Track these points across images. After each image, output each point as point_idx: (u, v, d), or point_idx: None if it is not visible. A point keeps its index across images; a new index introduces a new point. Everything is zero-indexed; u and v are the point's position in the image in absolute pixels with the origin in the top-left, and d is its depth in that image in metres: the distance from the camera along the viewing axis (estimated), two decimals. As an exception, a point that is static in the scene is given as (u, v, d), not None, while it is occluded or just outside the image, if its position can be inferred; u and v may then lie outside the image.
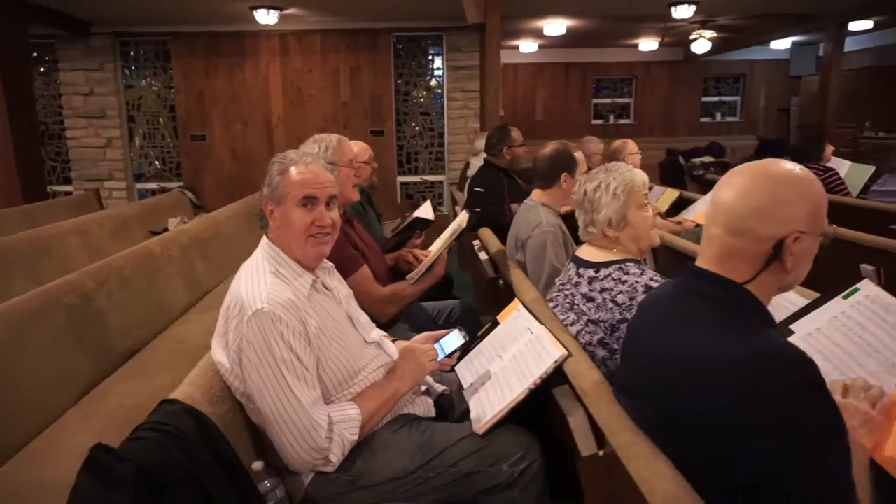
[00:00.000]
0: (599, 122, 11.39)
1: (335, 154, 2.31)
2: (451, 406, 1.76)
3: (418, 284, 2.24)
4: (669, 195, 4.61)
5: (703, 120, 11.51)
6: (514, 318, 1.90)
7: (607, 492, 1.46)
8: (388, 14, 6.57)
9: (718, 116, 11.59)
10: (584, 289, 1.75)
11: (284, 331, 1.39)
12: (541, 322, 1.71)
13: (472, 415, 1.59)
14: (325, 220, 1.54)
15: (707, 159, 8.47)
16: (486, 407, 1.57)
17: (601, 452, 1.47)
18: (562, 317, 1.80)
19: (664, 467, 1.02)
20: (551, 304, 1.90)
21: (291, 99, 7.21)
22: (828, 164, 4.90)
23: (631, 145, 4.06)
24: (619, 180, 1.74)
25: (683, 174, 7.79)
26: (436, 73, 7.24)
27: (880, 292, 1.45)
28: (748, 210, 1.05)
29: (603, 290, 1.69)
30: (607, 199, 1.73)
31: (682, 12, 6.57)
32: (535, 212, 2.46)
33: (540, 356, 1.57)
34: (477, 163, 4.26)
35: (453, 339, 1.71)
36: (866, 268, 3.10)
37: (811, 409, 0.92)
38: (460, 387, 1.77)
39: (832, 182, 4.74)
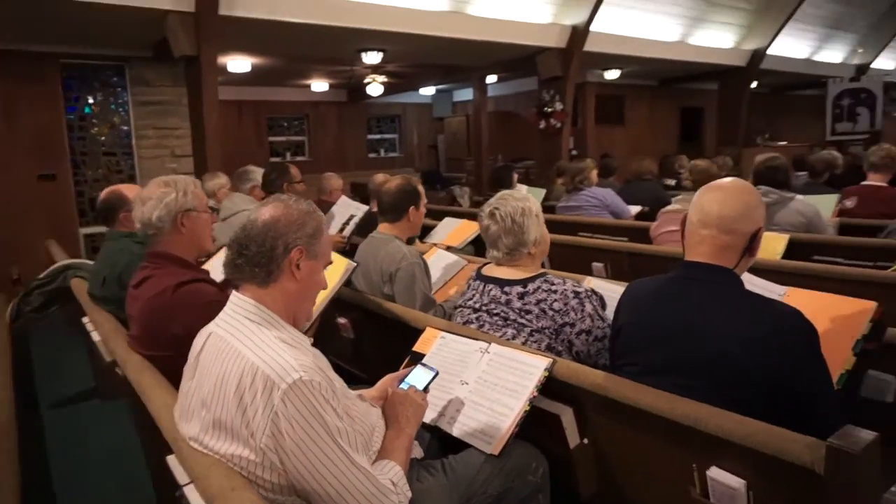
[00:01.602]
0: (276, 159, 11.44)
1: (195, 199, 2.00)
2: (422, 439, 1.73)
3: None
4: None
5: (370, 155, 12.60)
6: (444, 343, 1.96)
7: (596, 473, 1.69)
8: (52, 36, 5.53)
9: (382, 152, 12.85)
10: (518, 304, 1.93)
11: (330, 397, 1.23)
12: (486, 341, 1.83)
13: (475, 440, 1.62)
14: None
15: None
16: (489, 429, 1.62)
17: (585, 441, 1.69)
18: (498, 333, 1.94)
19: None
20: (473, 325, 2.02)
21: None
22: (517, 189, 6.02)
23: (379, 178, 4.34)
24: (535, 205, 1.99)
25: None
26: (120, 108, 6.34)
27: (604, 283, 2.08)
28: (734, 215, 1.42)
29: (539, 302, 1.90)
30: (531, 221, 1.96)
31: (371, 58, 7.20)
32: (395, 245, 2.52)
33: (523, 370, 1.69)
34: (233, 204, 3.96)
35: (421, 375, 1.70)
36: (597, 265, 3.99)
37: (818, 344, 1.32)
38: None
39: (522, 202, 5.85)
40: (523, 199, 2.02)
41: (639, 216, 5.27)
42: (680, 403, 1.39)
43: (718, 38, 9.98)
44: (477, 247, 4.35)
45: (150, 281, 1.93)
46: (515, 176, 6.04)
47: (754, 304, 1.38)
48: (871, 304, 1.65)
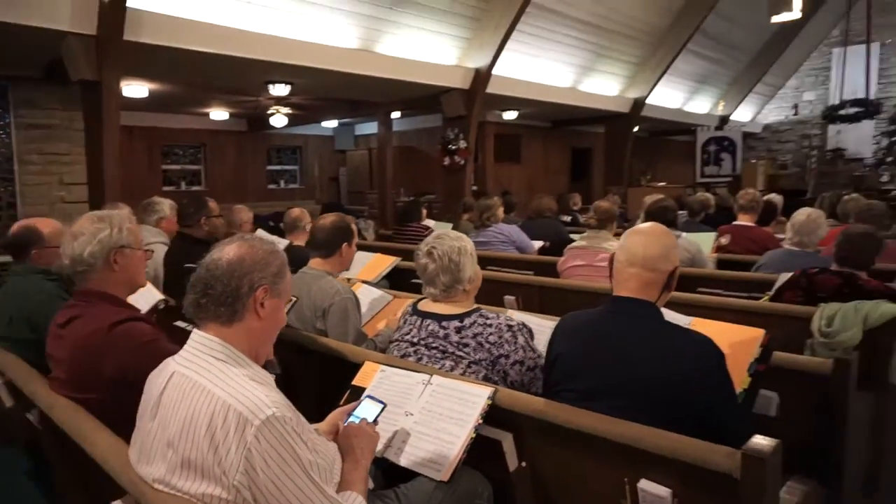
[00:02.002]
0: (171, 188, 10.94)
1: (130, 236, 1.96)
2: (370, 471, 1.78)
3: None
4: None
5: (270, 186, 12.35)
6: (385, 377, 2.03)
7: (534, 494, 1.82)
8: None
9: (283, 183, 12.65)
10: (455, 338, 2.04)
11: (301, 431, 1.28)
12: (428, 373, 1.93)
13: (424, 469, 1.69)
14: None
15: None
16: (437, 457, 1.70)
17: (523, 464, 1.82)
18: (436, 365, 2.04)
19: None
20: (411, 359, 2.10)
21: None
22: (425, 223, 6.19)
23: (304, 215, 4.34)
24: (469, 244, 2.12)
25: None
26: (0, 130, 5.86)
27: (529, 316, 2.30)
28: (656, 255, 1.63)
29: (475, 335, 2.02)
30: (466, 260, 2.09)
31: (279, 90, 7.17)
32: (327, 280, 2.56)
33: (466, 399, 1.79)
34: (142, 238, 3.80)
35: (370, 408, 1.75)
36: (509, 298, 4.20)
37: (726, 367, 1.55)
38: None
39: (432, 237, 6.02)
40: (458, 238, 2.15)
41: (541, 251, 5.59)
42: (613, 424, 1.56)
43: (605, 87, 10.86)
44: (391, 281, 4.42)
45: (81, 320, 1.85)
46: (424, 211, 6.22)
47: (675, 333, 1.59)
48: (760, 332, 1.92)
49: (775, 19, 8.49)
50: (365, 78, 7.23)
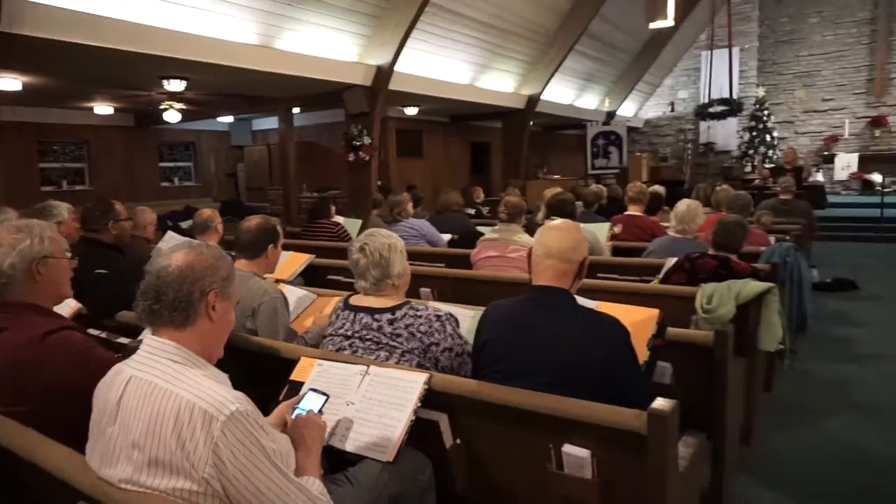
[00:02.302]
0: (51, 188, 10.15)
1: (52, 245, 1.92)
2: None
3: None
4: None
5: (163, 184, 11.77)
6: (323, 370, 2.13)
7: (469, 468, 2.00)
8: None
9: (177, 181, 12.08)
10: (388, 329, 2.17)
11: (262, 424, 1.37)
12: (365, 364, 2.06)
13: (370, 452, 1.82)
14: None
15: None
16: (381, 440, 1.84)
17: (458, 441, 2.00)
18: (371, 356, 2.16)
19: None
20: (346, 352, 2.22)
21: None
22: (335, 220, 6.21)
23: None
24: (399, 241, 2.25)
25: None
26: None
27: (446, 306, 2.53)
28: (568, 248, 1.85)
29: (407, 326, 2.16)
30: (396, 256, 2.22)
31: (174, 86, 6.89)
32: (255, 280, 2.60)
33: (404, 385, 1.94)
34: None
35: (314, 400, 1.86)
36: (424, 290, 4.36)
37: (631, 343, 1.80)
38: None
39: (342, 233, 6.06)
40: (388, 236, 2.29)
41: (450, 244, 5.81)
42: (538, 398, 1.76)
43: (501, 84, 11.28)
44: (306, 278, 4.46)
45: (7, 333, 1.80)
46: (333, 208, 6.25)
47: (588, 316, 1.82)
48: (655, 311, 2.21)
49: (652, 25, 9.23)
50: (264, 74, 7.11)
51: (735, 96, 12.79)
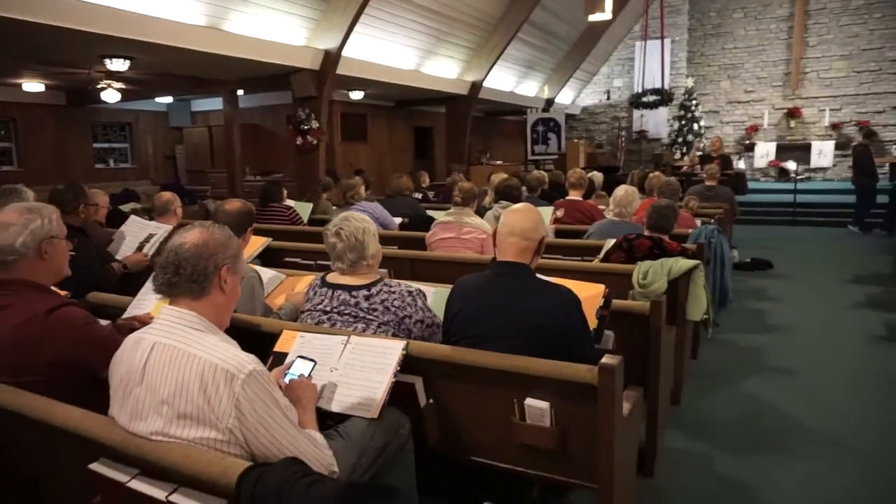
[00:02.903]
0: (-26, 169, 9.70)
1: (58, 227, 2.04)
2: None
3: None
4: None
5: (98, 166, 11.37)
6: (305, 342, 2.33)
7: (440, 424, 2.25)
8: None
9: (112, 163, 11.69)
10: (365, 304, 2.39)
11: (273, 382, 1.58)
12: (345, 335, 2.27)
13: (356, 411, 2.05)
14: None
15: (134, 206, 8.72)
16: (365, 400, 2.07)
17: (430, 401, 2.25)
18: (349, 328, 2.38)
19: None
20: (326, 325, 2.42)
21: None
22: (287, 203, 6.30)
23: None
24: (372, 225, 2.46)
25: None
26: None
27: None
28: (529, 227, 2.12)
29: (382, 301, 2.38)
30: (370, 239, 2.43)
31: (118, 65, 6.74)
32: (233, 261, 2.75)
33: (383, 352, 2.16)
34: None
35: (302, 366, 2.07)
36: (381, 270, 4.56)
37: (582, 310, 2.09)
38: None
39: (294, 217, 6.16)
40: (361, 220, 2.49)
41: (401, 226, 6.02)
42: (504, 358, 2.03)
43: (446, 70, 11.47)
44: (263, 260, 4.57)
45: (11, 309, 1.92)
46: (285, 192, 6.33)
47: (546, 287, 2.10)
48: (602, 287, 2.52)
49: (591, 18, 9.63)
50: (211, 56, 7.06)
51: (667, 86, 13.48)
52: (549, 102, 15.75)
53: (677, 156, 14.54)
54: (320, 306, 2.47)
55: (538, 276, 2.24)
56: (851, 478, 2.80)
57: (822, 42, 15.19)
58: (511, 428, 2.07)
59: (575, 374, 1.91)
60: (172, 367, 1.52)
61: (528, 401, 2.01)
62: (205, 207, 8.37)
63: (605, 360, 1.87)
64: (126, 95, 10.10)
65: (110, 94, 8.72)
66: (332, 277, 2.51)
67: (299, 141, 8.49)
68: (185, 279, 1.60)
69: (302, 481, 1.28)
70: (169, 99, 11.68)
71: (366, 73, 9.32)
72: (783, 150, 15.12)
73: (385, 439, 2.00)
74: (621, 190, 4.50)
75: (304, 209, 6.54)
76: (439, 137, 14.45)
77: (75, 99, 10.44)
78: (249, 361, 1.52)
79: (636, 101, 12.42)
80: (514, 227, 2.13)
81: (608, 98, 17.06)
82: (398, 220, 6.07)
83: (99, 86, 8.62)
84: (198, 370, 1.49)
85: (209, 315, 1.62)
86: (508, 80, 13.97)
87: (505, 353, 2.03)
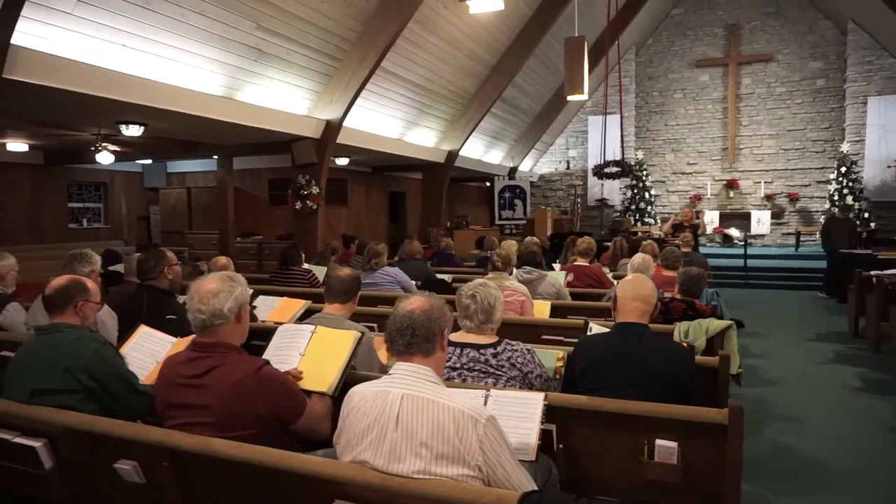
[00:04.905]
0: (-54, 228, 9.38)
1: (247, 294, 2.31)
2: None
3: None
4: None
5: (71, 226, 11.16)
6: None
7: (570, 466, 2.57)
8: None
9: (85, 223, 11.50)
10: (493, 361, 2.71)
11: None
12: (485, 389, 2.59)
13: (518, 456, 2.35)
14: None
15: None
16: (521, 445, 2.37)
17: (561, 445, 2.57)
18: (481, 383, 2.69)
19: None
20: (456, 381, 2.73)
21: None
22: (305, 267, 6.52)
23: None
24: (500, 294, 2.82)
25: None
26: None
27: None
28: (648, 293, 2.55)
29: (508, 359, 2.72)
30: (499, 305, 2.78)
31: (132, 131, 6.92)
32: (348, 323, 3.03)
33: (525, 402, 2.46)
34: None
35: None
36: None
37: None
38: None
39: (314, 280, 6.38)
40: (495, 288, 2.84)
41: (418, 288, 6.35)
42: (634, 404, 2.39)
43: (425, 139, 12.09)
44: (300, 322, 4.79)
45: (223, 368, 2.13)
46: (303, 255, 6.57)
47: (662, 342, 2.51)
48: (683, 344, 2.95)
49: (571, 98, 10.52)
50: (223, 123, 7.33)
51: (622, 158, 14.60)
52: (513, 170, 16.63)
53: (632, 221, 15.59)
54: (448, 363, 2.78)
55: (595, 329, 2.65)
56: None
57: (753, 122, 16.87)
58: (640, 466, 2.41)
59: (704, 416, 2.29)
60: (425, 413, 1.80)
61: (658, 441, 2.37)
62: (198, 269, 8.39)
63: (733, 402, 2.27)
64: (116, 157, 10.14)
65: (104, 157, 8.77)
66: (457, 336, 2.83)
67: (298, 205, 8.75)
68: (420, 340, 1.91)
69: (578, 501, 1.59)
70: (147, 160, 11.73)
71: (360, 141, 9.77)
72: (725, 218, 16.46)
73: (543, 478, 2.30)
74: (638, 257, 5.02)
75: (320, 272, 6.77)
76: (411, 202, 14.96)
77: (53, 158, 10.36)
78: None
79: (600, 172, 13.37)
80: (637, 293, 2.55)
81: (568, 168, 18.16)
82: (413, 282, 6.40)
83: (93, 147, 8.66)
84: (450, 416, 1.78)
85: (437, 369, 1.93)
86: (477, 148, 14.75)
87: (627, 399, 2.40)
